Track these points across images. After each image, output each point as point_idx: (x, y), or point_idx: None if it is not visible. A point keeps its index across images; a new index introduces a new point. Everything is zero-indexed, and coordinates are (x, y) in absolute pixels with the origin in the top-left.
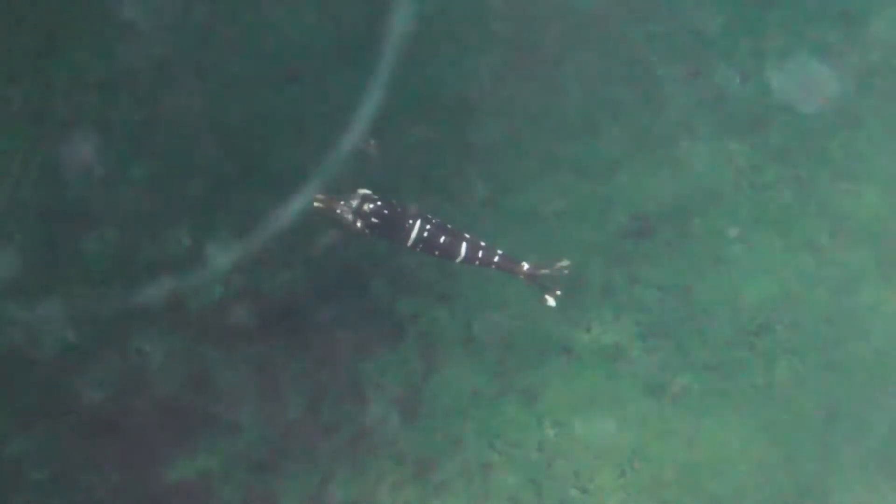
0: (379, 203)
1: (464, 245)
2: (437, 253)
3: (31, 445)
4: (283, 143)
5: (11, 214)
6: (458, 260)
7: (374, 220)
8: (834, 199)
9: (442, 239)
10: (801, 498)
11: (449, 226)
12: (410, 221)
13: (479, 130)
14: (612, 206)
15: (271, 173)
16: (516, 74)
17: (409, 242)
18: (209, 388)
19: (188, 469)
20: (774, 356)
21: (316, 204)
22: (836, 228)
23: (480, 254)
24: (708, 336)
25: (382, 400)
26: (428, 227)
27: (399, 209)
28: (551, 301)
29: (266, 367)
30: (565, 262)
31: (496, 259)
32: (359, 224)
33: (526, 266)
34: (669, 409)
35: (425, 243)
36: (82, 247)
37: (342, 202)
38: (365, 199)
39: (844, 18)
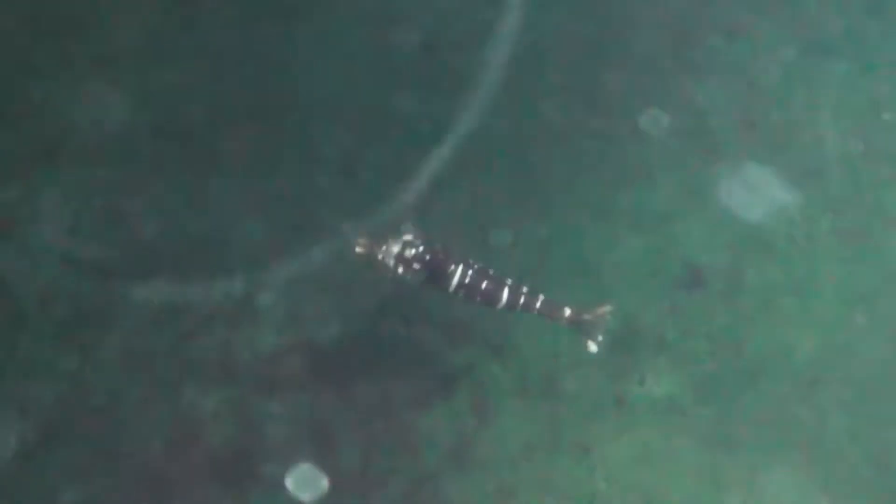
0: (421, 249)
1: (506, 290)
2: (479, 298)
3: (83, 496)
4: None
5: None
6: (500, 305)
7: (415, 265)
8: (888, 251)
9: (484, 284)
10: None
11: (491, 271)
12: (453, 267)
13: (534, 178)
14: (665, 256)
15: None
16: (574, 124)
17: (451, 288)
18: (260, 442)
19: None
20: (827, 410)
21: (357, 249)
22: (890, 281)
23: (522, 299)
24: (761, 389)
25: (434, 451)
26: (470, 272)
27: (441, 255)
28: (593, 347)
29: (318, 418)
30: (608, 308)
31: (538, 304)
32: (400, 270)
33: (568, 311)
34: (723, 461)
35: (467, 289)
36: (132, 295)
37: (384, 247)
38: (407, 244)
39: None
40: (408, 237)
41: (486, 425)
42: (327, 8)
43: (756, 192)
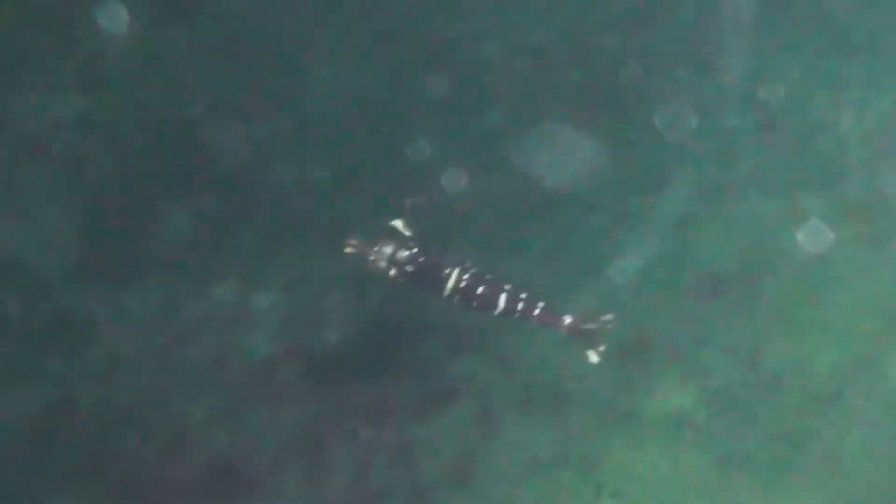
0: (415, 250)
1: (503, 296)
2: (475, 304)
3: None
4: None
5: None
6: (497, 312)
7: (408, 268)
8: None
9: (480, 289)
10: None
11: (488, 276)
12: (448, 270)
13: (539, 183)
14: (679, 264)
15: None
16: (586, 124)
17: (446, 292)
18: (252, 451)
19: None
20: (846, 425)
21: (347, 250)
22: None
23: (520, 305)
24: (777, 403)
25: (434, 465)
26: (466, 276)
27: (436, 257)
28: (594, 357)
29: (313, 429)
30: (609, 317)
31: (537, 311)
32: (392, 272)
33: (568, 319)
34: (736, 478)
35: (463, 293)
36: (123, 302)
37: (375, 248)
38: (400, 245)
39: None
40: (401, 238)
41: (488, 438)
42: None
43: (773, 197)
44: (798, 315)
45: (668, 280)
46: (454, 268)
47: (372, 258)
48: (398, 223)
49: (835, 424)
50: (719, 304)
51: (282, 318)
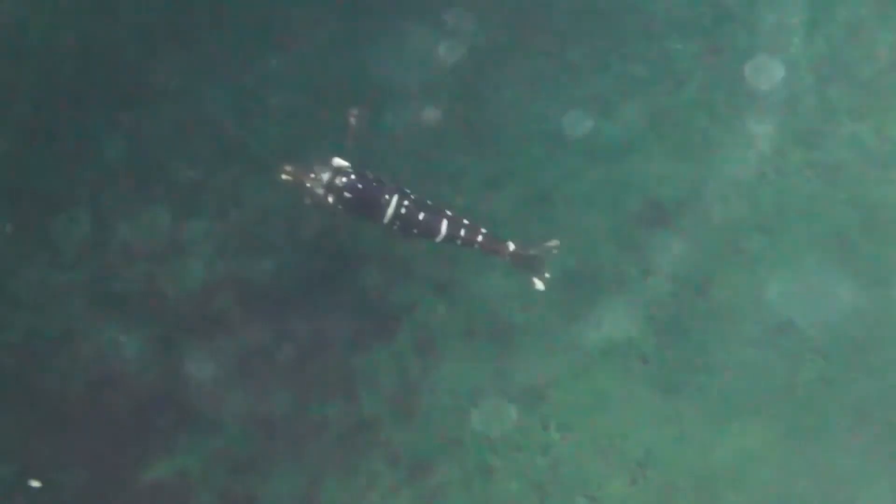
0: (353, 176)
1: (444, 223)
2: (415, 231)
3: None
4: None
5: None
6: (439, 239)
7: (346, 194)
8: (866, 187)
9: (421, 216)
10: None
11: (429, 202)
12: (387, 197)
13: (481, 108)
14: (624, 190)
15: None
16: (523, 47)
17: (385, 219)
18: (188, 382)
19: (165, 469)
20: (799, 356)
21: (283, 177)
22: (867, 219)
23: (462, 232)
24: (727, 333)
25: (375, 397)
26: (406, 203)
27: (375, 183)
28: (540, 285)
29: (250, 360)
30: (554, 243)
31: (479, 238)
32: (330, 199)
33: (512, 246)
34: (685, 411)
35: (403, 220)
36: (51, 228)
37: (312, 175)
38: (338, 171)
39: None
40: (339, 163)
41: (430, 369)
42: None
43: (721, 122)
44: (748, 243)
45: (613, 207)
46: (393, 194)
47: (308, 185)
48: (338, 160)
49: (788, 356)
50: (667, 232)
51: (216, 245)
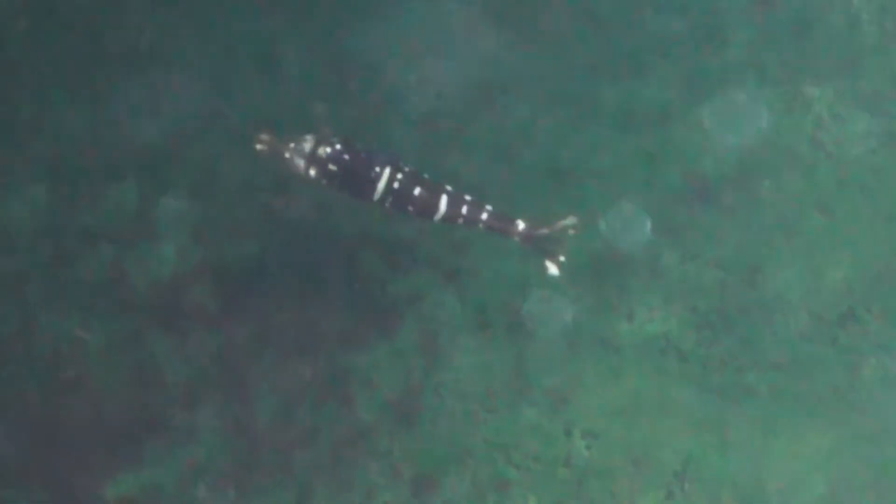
0: (338, 146)
1: (444, 199)
2: (410, 209)
3: None
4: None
5: None
6: (438, 217)
7: (331, 167)
8: None
9: (417, 191)
10: None
11: (426, 175)
12: (377, 169)
13: (496, 66)
14: (661, 163)
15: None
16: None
17: (376, 195)
18: (159, 385)
19: (131, 484)
20: (861, 352)
21: (259, 146)
22: None
23: (465, 210)
24: (779, 327)
25: (373, 401)
26: (399, 176)
27: (363, 154)
28: (553, 269)
29: (229, 359)
30: (571, 220)
31: (484, 216)
32: (313, 172)
33: (522, 225)
34: (730, 416)
35: (396, 196)
36: (7, 207)
37: (291, 144)
38: (321, 141)
39: None
40: (321, 133)
41: (436, 368)
42: None
43: (772, 85)
44: (803, 224)
45: (647, 183)
46: (385, 166)
47: (287, 156)
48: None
49: (847, 351)
50: (710, 211)
51: (190, 227)
